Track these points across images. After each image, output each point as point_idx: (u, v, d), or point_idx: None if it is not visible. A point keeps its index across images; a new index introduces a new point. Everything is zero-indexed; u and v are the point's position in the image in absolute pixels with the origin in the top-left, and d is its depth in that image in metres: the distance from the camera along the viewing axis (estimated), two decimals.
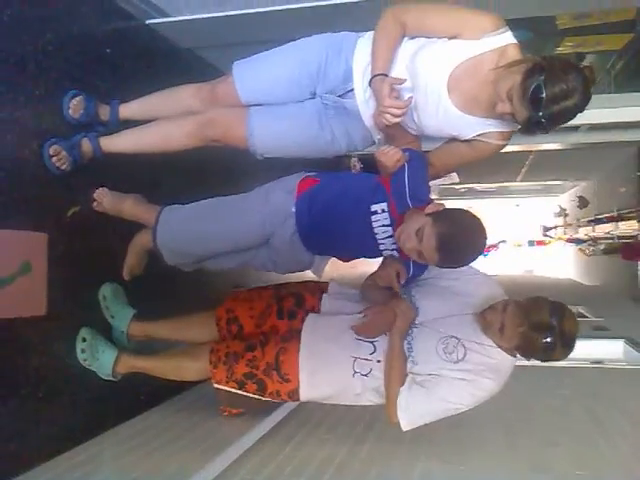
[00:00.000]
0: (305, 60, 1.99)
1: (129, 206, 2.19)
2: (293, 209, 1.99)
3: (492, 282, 2.07)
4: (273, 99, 2.05)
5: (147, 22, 2.74)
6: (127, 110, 2.24)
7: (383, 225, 1.89)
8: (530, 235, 13.45)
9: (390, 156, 1.80)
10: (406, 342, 1.89)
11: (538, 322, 1.71)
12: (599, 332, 4.52)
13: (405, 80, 1.79)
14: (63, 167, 2.05)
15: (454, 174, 5.91)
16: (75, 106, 2.13)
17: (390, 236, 1.90)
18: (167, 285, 2.49)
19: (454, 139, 1.94)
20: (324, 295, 2.18)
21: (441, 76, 1.78)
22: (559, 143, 5.31)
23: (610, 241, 8.26)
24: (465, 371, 1.81)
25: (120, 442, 2.18)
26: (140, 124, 2.19)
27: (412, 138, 1.99)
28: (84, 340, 2.14)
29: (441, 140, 2.02)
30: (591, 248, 9.27)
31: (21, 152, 1.95)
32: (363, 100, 1.94)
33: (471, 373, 1.81)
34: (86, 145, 2.11)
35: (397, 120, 1.75)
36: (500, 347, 1.82)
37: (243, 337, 2.16)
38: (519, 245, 13.68)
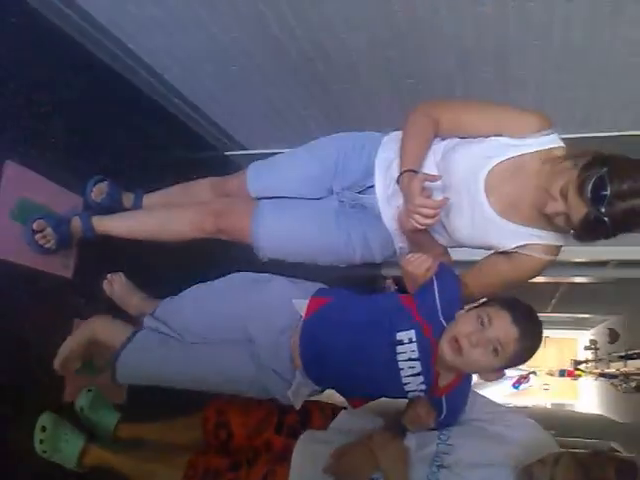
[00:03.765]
0: (324, 155, 1.83)
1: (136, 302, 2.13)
2: (300, 311, 1.66)
3: (543, 432, 1.64)
4: (286, 193, 1.86)
5: (225, 153, 3.11)
6: (149, 200, 2.20)
7: (410, 359, 1.51)
8: (560, 366, 13.23)
9: (418, 264, 1.54)
10: None
11: None
12: None
13: (440, 177, 1.54)
14: (47, 245, 1.87)
15: None
16: (98, 189, 2.12)
17: (418, 374, 1.52)
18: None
19: (491, 254, 1.67)
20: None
21: (478, 174, 1.54)
22: (588, 277, 5.45)
23: None
24: None
25: None
26: None
27: (442, 250, 1.73)
28: (43, 429, 1.84)
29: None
30: (623, 385, 9.12)
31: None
32: (384, 198, 1.72)
33: None
34: (76, 222, 1.94)
35: (429, 223, 1.48)
36: None
37: (229, 449, 1.82)
38: (551, 374, 13.40)
